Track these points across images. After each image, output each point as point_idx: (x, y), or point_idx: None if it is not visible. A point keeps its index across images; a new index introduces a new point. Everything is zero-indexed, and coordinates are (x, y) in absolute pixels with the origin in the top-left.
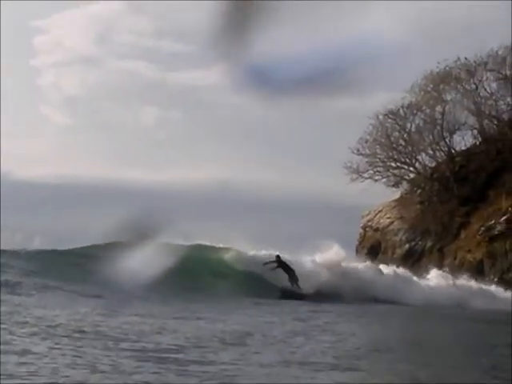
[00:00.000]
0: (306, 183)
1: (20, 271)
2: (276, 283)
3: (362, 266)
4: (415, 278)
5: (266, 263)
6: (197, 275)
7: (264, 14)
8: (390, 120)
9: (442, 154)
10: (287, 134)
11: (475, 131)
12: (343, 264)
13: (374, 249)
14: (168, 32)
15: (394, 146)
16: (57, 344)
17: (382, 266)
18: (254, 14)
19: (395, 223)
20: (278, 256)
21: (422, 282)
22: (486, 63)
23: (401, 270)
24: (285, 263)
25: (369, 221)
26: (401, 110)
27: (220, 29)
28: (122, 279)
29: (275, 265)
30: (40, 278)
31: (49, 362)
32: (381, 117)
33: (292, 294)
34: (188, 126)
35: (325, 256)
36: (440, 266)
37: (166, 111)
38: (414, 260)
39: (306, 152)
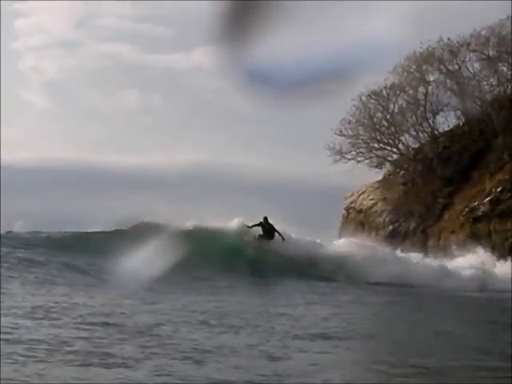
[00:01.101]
0: (291, 165)
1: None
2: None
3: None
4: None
5: (251, 226)
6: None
7: (267, 14)
8: (372, 101)
9: (425, 134)
10: (271, 117)
11: (458, 112)
12: None
13: (357, 230)
14: (149, 15)
15: (377, 127)
16: None
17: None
18: (257, 14)
19: (378, 204)
20: (265, 218)
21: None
22: (468, 44)
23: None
24: (271, 225)
25: (352, 202)
26: (384, 91)
27: (221, 29)
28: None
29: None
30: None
31: None
32: (364, 98)
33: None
34: (169, 109)
35: None
36: (424, 248)
37: (147, 95)
38: (397, 241)
39: (290, 135)
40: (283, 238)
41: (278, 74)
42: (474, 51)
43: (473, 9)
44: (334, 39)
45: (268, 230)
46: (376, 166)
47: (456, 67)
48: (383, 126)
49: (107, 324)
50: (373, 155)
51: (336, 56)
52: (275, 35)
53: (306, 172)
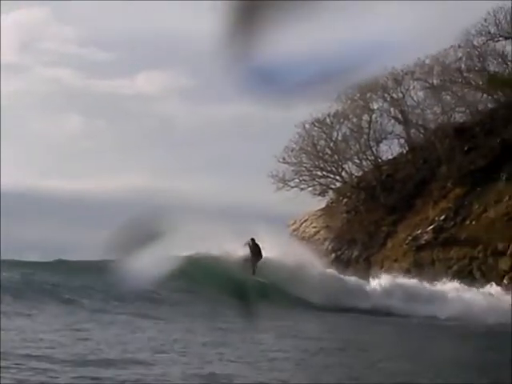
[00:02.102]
0: (234, 191)
1: None
2: None
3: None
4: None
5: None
6: None
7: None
8: (316, 129)
9: (369, 162)
10: (216, 142)
11: (402, 140)
12: None
13: None
14: (93, 40)
15: (320, 154)
16: None
17: None
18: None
19: (321, 232)
20: (252, 239)
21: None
22: (413, 72)
23: None
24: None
25: (294, 230)
26: (327, 119)
27: (224, 30)
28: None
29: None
30: None
31: None
32: (307, 125)
33: None
34: (113, 134)
35: None
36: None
37: (90, 119)
38: (340, 269)
39: (234, 160)
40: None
41: (282, 74)
42: (418, 80)
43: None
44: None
45: (255, 250)
46: (319, 194)
47: (400, 95)
48: (326, 153)
49: None
50: (316, 183)
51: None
52: (279, 34)
53: (249, 199)
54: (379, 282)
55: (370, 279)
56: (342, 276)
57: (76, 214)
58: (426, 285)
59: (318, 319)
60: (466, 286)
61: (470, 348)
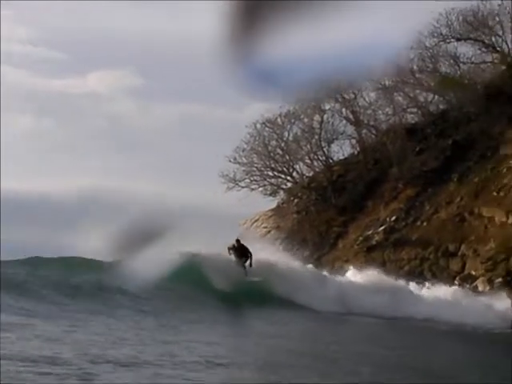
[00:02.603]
0: (184, 192)
1: None
2: None
3: None
4: None
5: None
6: None
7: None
8: (267, 129)
9: (320, 163)
10: (166, 143)
11: (353, 141)
12: None
13: None
14: (44, 39)
15: (271, 154)
16: None
17: None
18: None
19: (272, 233)
20: (237, 240)
21: None
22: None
23: None
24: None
25: (245, 230)
26: (278, 119)
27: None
28: None
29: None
30: None
31: None
32: (258, 125)
33: None
34: (63, 134)
35: None
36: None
37: (41, 119)
38: None
39: (185, 161)
40: (251, 265)
41: (284, 74)
42: (370, 80)
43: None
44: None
45: (241, 252)
46: (270, 194)
47: (352, 96)
48: (277, 153)
49: None
50: (267, 183)
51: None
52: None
53: (201, 199)
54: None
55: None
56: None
57: (28, 215)
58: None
59: None
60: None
61: None
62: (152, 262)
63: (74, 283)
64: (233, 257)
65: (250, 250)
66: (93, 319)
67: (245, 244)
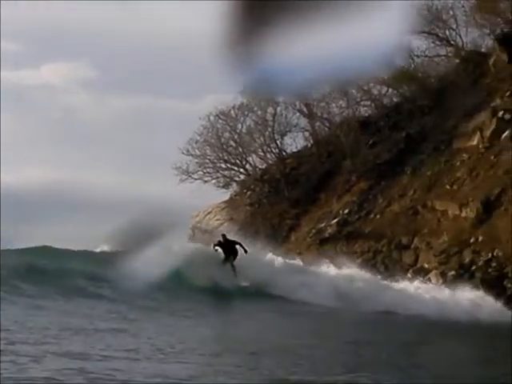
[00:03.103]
0: (140, 184)
1: None
2: None
3: None
4: None
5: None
6: None
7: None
8: (220, 121)
9: (273, 155)
10: (120, 135)
11: (306, 133)
12: None
13: None
14: None
15: (225, 147)
16: None
17: None
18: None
19: (225, 225)
20: (223, 235)
21: None
22: None
23: None
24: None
25: (198, 222)
26: (232, 111)
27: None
28: None
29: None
30: None
31: None
32: (212, 118)
33: None
34: (18, 126)
35: None
36: None
37: None
38: None
39: (139, 153)
40: (246, 251)
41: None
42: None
43: None
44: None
45: (228, 247)
46: (223, 187)
47: (306, 88)
48: (231, 146)
49: None
50: (220, 175)
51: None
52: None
53: (154, 191)
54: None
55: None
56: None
57: None
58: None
59: None
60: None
61: None
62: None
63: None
64: (220, 254)
65: (238, 241)
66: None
67: (231, 238)
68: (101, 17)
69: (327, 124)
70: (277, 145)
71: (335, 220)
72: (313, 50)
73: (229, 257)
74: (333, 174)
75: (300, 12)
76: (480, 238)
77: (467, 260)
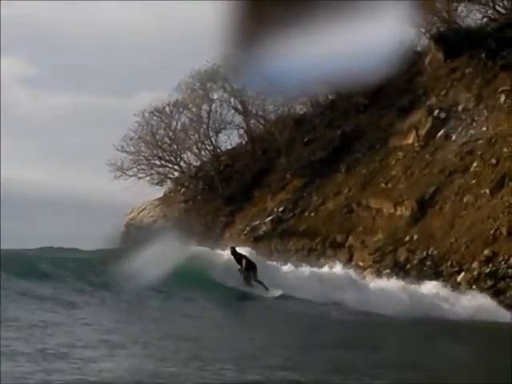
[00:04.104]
0: (74, 181)
1: None
2: None
3: None
4: None
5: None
6: None
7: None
8: (155, 118)
9: (207, 152)
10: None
11: (241, 130)
12: None
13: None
14: None
15: (159, 144)
16: None
17: None
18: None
19: (159, 222)
20: (233, 248)
21: None
22: None
23: None
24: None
25: (131, 219)
26: (167, 108)
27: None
28: None
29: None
30: None
31: None
32: (146, 114)
33: None
34: None
35: None
36: None
37: None
38: None
39: (75, 149)
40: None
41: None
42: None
43: None
44: None
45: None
46: (157, 183)
47: (241, 86)
48: (165, 143)
49: None
50: (154, 172)
51: None
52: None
53: (88, 188)
54: None
55: None
56: None
57: None
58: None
59: None
60: None
61: None
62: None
63: None
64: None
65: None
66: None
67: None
68: (39, 13)
69: (262, 121)
70: (211, 142)
71: (270, 218)
72: (313, 51)
73: (247, 270)
74: (267, 171)
75: (301, 13)
76: (415, 237)
77: (402, 258)
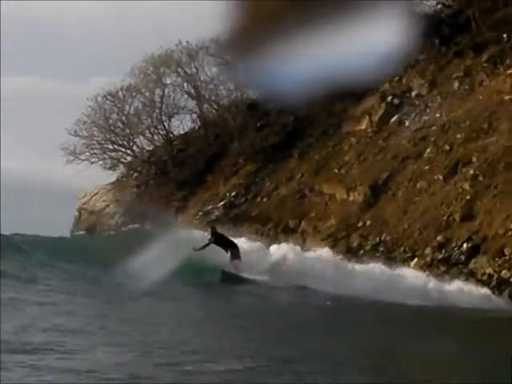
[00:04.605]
0: (26, 166)
1: None
2: None
3: None
4: None
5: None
6: None
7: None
8: (108, 102)
9: (160, 137)
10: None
11: (194, 115)
12: None
13: (89, 231)
14: None
15: (112, 128)
16: None
17: None
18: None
19: (111, 206)
20: (213, 228)
21: None
22: (207, 47)
23: None
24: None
25: (84, 203)
26: (120, 93)
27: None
28: None
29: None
30: None
31: None
32: (99, 99)
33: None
34: None
35: None
36: None
37: None
38: None
39: (25, 134)
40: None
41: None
42: (212, 55)
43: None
44: None
45: (225, 242)
46: (110, 168)
47: (194, 70)
48: (118, 127)
49: None
50: (107, 157)
51: None
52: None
53: (39, 172)
54: None
55: None
56: None
57: None
58: None
59: None
60: None
61: None
62: None
63: None
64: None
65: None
66: None
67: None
68: None
69: (215, 106)
70: (164, 126)
71: (222, 202)
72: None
73: (233, 254)
74: (220, 156)
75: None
76: (368, 222)
77: (355, 244)
